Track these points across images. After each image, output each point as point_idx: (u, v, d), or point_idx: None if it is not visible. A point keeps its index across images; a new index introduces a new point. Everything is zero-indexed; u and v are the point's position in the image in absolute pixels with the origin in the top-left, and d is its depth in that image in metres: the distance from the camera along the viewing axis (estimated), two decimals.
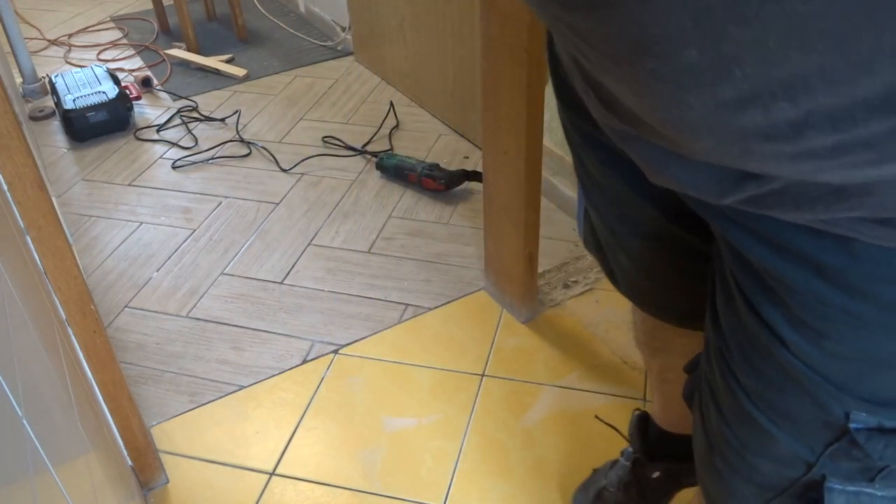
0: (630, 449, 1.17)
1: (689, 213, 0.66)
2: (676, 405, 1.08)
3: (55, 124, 2.54)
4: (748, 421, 0.57)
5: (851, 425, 0.50)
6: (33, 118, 2.57)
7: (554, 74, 0.71)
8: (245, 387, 1.51)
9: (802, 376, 0.50)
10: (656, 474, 1.13)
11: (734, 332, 0.56)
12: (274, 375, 1.53)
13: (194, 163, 2.28)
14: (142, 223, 2.03)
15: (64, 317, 1.06)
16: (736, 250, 0.51)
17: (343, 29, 2.95)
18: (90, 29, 3.34)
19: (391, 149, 2.27)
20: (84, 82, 2.49)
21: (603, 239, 0.81)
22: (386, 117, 2.42)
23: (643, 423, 1.14)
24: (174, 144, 2.39)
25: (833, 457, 0.53)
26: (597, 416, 1.38)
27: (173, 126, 2.49)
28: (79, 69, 2.58)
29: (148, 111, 2.61)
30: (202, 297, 1.75)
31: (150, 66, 2.94)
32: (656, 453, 1.13)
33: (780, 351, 0.51)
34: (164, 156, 2.34)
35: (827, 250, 0.44)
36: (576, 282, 1.69)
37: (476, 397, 1.45)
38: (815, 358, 0.49)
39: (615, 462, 1.20)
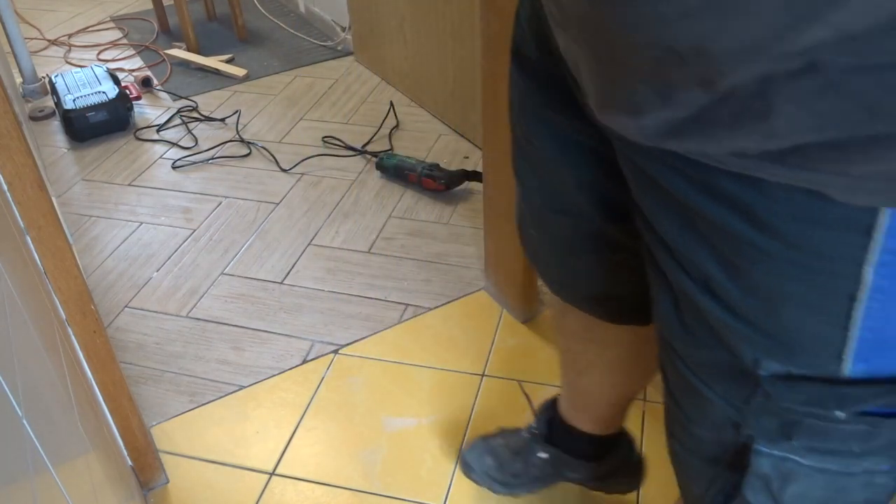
0: (534, 425, 1.21)
1: (611, 201, 0.70)
2: (567, 392, 1.14)
3: (55, 124, 2.55)
4: (688, 388, 0.61)
5: (761, 372, 0.53)
6: (33, 118, 2.57)
7: (513, 39, 0.75)
8: (245, 387, 1.51)
9: (718, 322, 0.53)
10: (544, 456, 1.18)
11: (666, 298, 0.59)
12: (274, 375, 1.53)
13: (194, 163, 2.28)
14: (142, 223, 2.03)
15: (64, 317, 1.06)
16: (664, 191, 0.53)
17: (343, 29, 2.95)
18: (90, 29, 3.34)
19: (391, 149, 2.27)
20: (84, 82, 2.49)
21: (525, 210, 0.85)
22: (386, 117, 2.42)
23: (552, 407, 1.18)
24: (174, 144, 2.39)
25: (754, 413, 0.55)
26: (520, 386, 1.44)
27: (173, 126, 2.50)
28: (79, 69, 2.58)
29: (148, 111, 2.61)
30: (202, 297, 1.75)
31: (150, 66, 2.94)
32: (551, 438, 1.18)
33: (700, 297, 0.54)
34: (164, 156, 2.34)
35: (741, 187, 0.47)
36: None
37: (476, 397, 1.45)
38: (729, 294, 0.52)
39: (519, 430, 1.25)
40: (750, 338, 0.52)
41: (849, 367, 0.50)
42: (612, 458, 1.16)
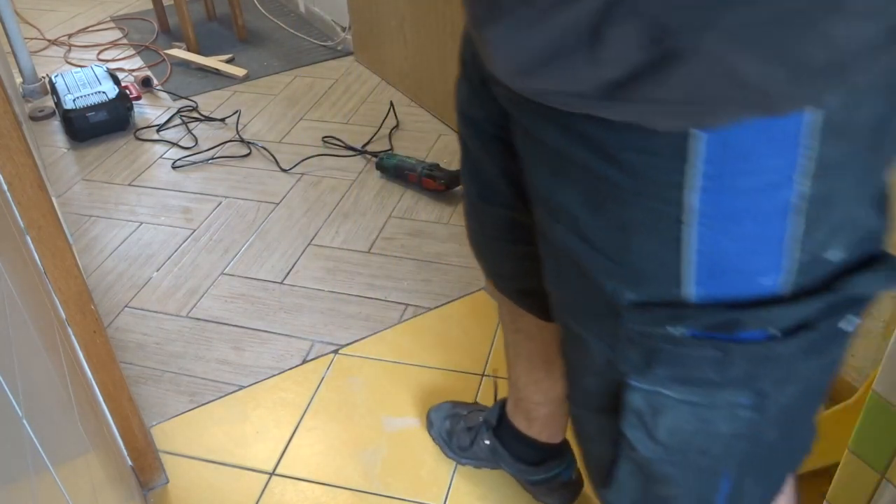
0: (488, 412, 1.28)
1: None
2: (508, 386, 1.18)
3: (55, 124, 2.55)
4: (573, 339, 0.65)
5: (621, 302, 0.57)
6: (33, 118, 2.57)
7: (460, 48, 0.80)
8: (245, 387, 1.51)
9: (585, 260, 0.58)
10: (487, 443, 1.25)
11: (549, 255, 0.64)
12: (274, 375, 1.53)
13: (194, 163, 2.28)
14: (142, 223, 2.03)
15: (64, 317, 1.06)
16: (541, 143, 0.57)
17: (343, 29, 2.96)
18: (90, 29, 3.34)
19: (391, 149, 2.27)
20: (84, 82, 2.49)
21: (467, 203, 0.91)
22: (386, 117, 2.42)
23: (506, 401, 1.24)
24: (174, 144, 2.39)
25: (622, 346, 0.59)
26: (494, 374, 1.48)
27: (173, 126, 2.50)
28: (79, 69, 2.58)
29: (148, 111, 2.61)
30: (202, 297, 1.75)
31: (150, 66, 2.94)
32: (497, 430, 1.24)
33: (570, 241, 0.58)
34: (164, 156, 2.34)
35: (592, 125, 0.51)
36: None
37: (476, 397, 1.45)
38: (592, 231, 0.56)
39: (483, 410, 1.32)
40: (609, 269, 0.56)
41: (689, 292, 0.53)
42: (544, 469, 1.20)
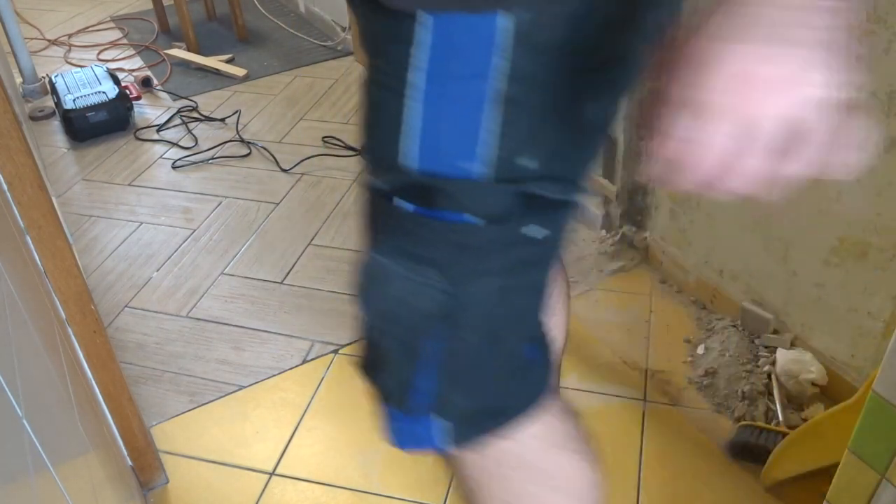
0: None
1: None
2: None
3: (55, 124, 2.55)
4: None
5: (377, 167, 0.63)
6: (33, 118, 2.57)
7: None
8: (245, 387, 1.51)
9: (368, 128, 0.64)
10: None
11: None
12: (274, 375, 1.53)
13: (194, 163, 2.28)
14: (142, 223, 2.03)
15: (64, 317, 1.06)
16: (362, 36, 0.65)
17: (343, 29, 2.95)
18: (90, 29, 3.34)
19: None
20: (84, 82, 2.49)
21: None
22: None
23: None
24: (174, 144, 2.39)
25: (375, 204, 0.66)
26: None
27: (173, 126, 2.50)
28: (79, 69, 2.58)
29: (148, 111, 2.61)
30: (202, 297, 1.75)
31: (150, 66, 2.94)
32: None
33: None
34: (164, 156, 2.34)
35: (375, 19, 0.58)
36: (576, 282, 1.69)
37: None
38: (376, 104, 0.62)
39: None
40: (378, 138, 0.62)
41: (412, 164, 0.59)
42: None
